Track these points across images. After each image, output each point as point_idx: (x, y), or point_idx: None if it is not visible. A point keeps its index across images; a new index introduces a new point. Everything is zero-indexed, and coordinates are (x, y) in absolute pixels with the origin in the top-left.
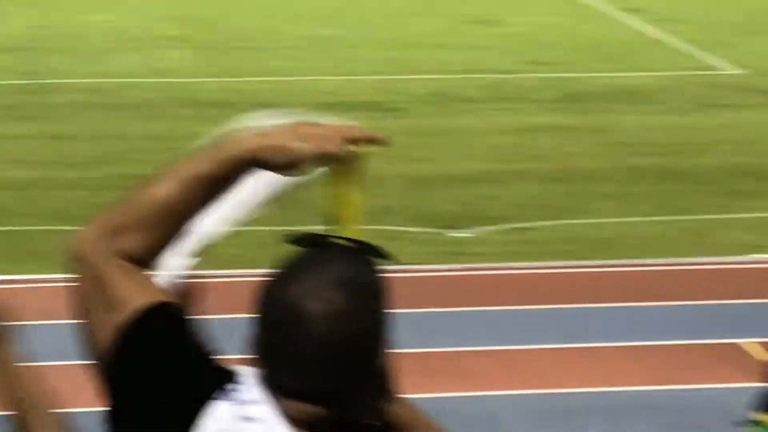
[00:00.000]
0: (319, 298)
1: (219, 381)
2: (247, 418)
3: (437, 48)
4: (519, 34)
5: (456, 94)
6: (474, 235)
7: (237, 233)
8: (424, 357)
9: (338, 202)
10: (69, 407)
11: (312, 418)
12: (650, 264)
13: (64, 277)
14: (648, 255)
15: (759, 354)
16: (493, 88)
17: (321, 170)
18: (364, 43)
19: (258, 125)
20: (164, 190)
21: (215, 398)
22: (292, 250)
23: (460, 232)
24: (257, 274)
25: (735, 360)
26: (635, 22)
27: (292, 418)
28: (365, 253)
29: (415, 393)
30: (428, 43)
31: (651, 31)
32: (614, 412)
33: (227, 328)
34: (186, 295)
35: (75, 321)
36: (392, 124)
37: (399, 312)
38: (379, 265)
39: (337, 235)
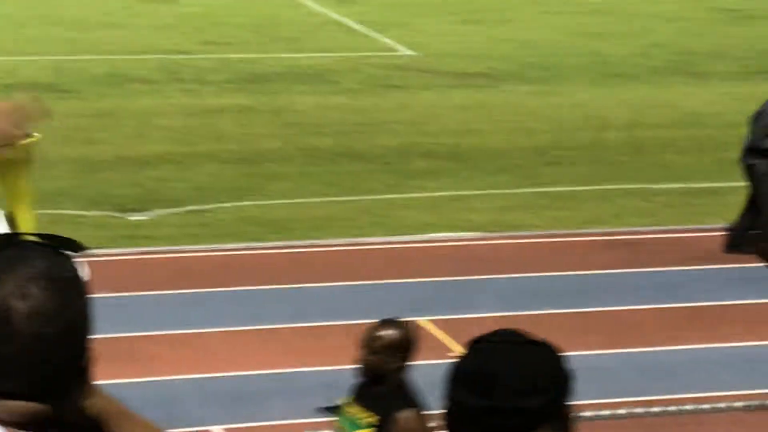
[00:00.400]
0: (22, 297)
1: None
2: None
3: (112, 27)
4: (195, 14)
5: (132, 75)
6: (151, 218)
7: None
8: (99, 343)
9: (10, 193)
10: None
11: (24, 418)
12: (328, 244)
13: None
14: (325, 235)
15: (435, 332)
16: (170, 69)
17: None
18: (36, 21)
19: None
20: None
21: None
22: None
23: (137, 216)
24: None
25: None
26: (312, 2)
27: (3, 420)
28: (59, 247)
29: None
30: (103, 22)
31: (327, 11)
32: (295, 392)
33: None
34: None
35: None
36: (67, 105)
37: None
38: (72, 256)
39: (23, 231)
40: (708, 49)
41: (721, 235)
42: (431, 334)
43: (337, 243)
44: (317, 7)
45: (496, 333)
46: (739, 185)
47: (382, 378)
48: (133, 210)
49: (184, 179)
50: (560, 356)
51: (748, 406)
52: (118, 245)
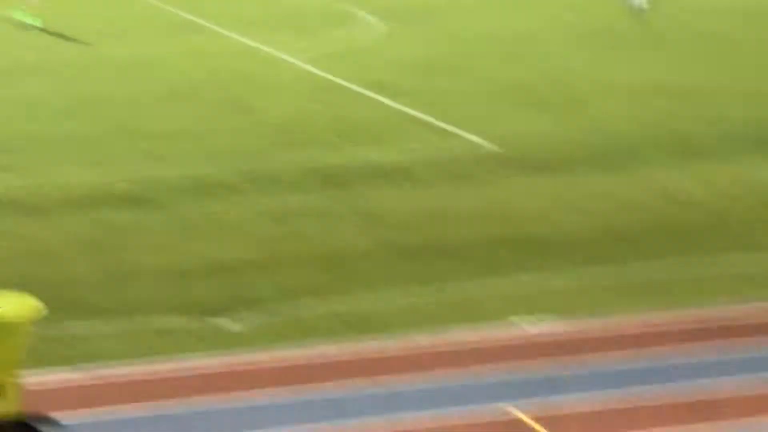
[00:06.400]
0: None
1: None
2: None
3: (191, 135)
4: (274, 119)
5: (211, 181)
6: (239, 320)
7: None
8: None
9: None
10: None
11: None
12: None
13: None
14: (412, 329)
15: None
16: (249, 174)
17: None
18: (113, 135)
19: None
20: None
21: None
22: None
23: (226, 320)
24: None
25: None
26: (389, 100)
27: None
28: (35, 426)
29: None
30: (181, 130)
31: (405, 108)
32: None
33: None
34: None
35: None
36: (149, 216)
37: None
38: None
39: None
40: None
41: None
42: (524, 423)
43: (425, 336)
44: (396, 104)
45: None
46: None
47: None
48: (222, 314)
49: (269, 281)
50: None
51: None
52: (209, 349)
